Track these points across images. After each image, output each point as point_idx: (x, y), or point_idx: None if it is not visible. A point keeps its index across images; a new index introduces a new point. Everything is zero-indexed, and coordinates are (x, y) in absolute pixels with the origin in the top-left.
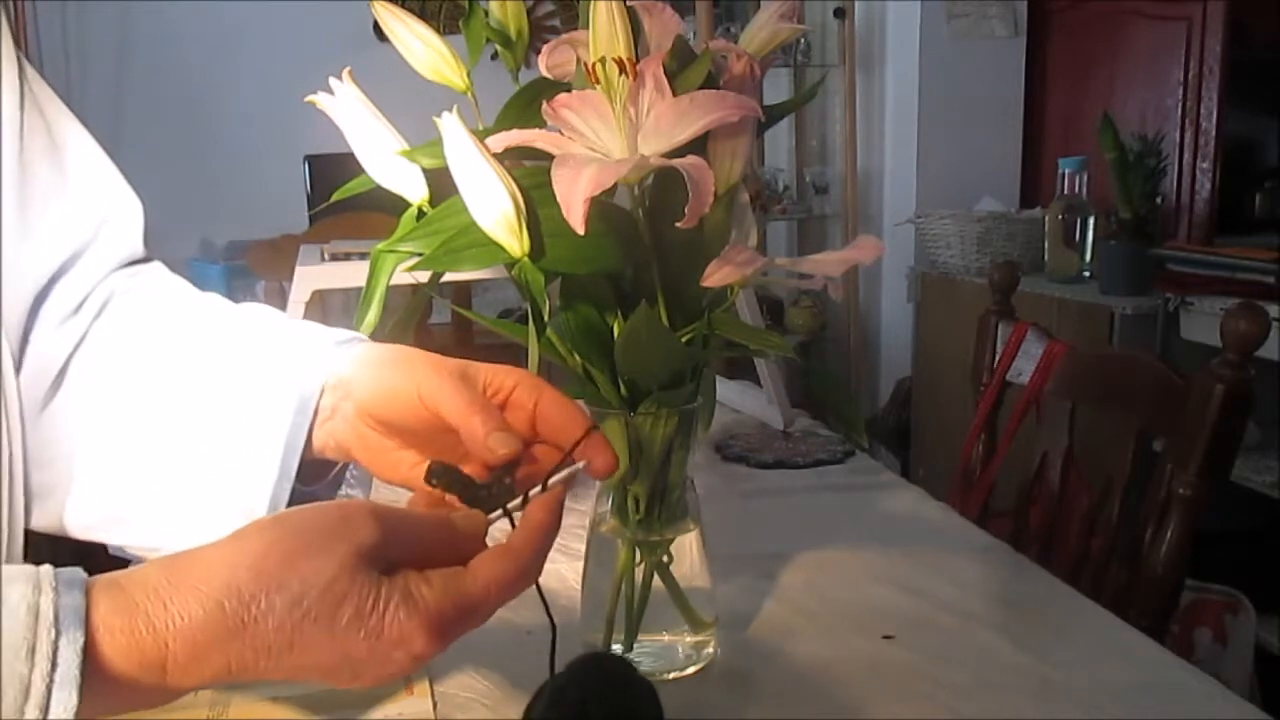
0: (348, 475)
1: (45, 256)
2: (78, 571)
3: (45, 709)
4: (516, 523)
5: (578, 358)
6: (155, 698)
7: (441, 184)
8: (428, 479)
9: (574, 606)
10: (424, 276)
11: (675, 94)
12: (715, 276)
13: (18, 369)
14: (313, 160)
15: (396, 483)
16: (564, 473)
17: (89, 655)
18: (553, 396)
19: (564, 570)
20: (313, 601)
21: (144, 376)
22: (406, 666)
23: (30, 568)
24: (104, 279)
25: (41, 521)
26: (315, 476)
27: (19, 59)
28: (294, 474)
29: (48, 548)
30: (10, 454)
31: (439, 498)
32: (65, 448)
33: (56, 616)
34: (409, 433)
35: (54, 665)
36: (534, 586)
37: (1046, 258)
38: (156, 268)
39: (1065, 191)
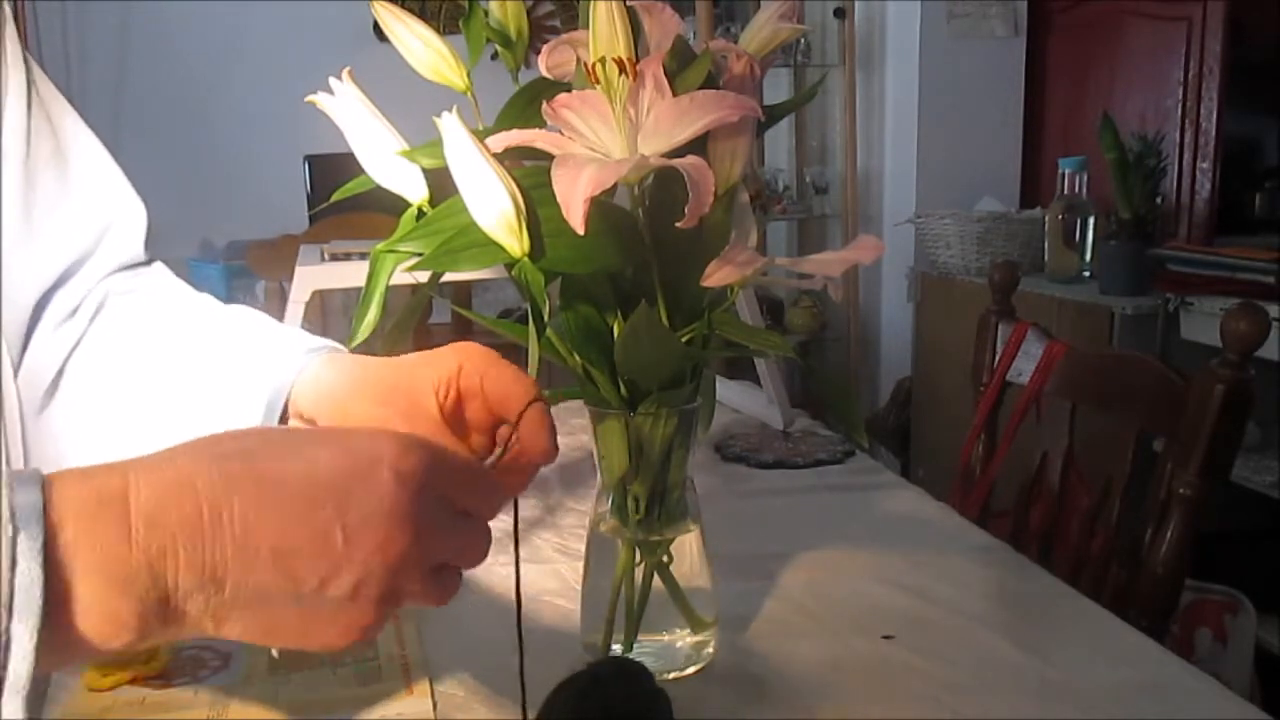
0: None
1: (50, 262)
2: (36, 470)
3: (9, 610)
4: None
5: (578, 358)
6: (120, 569)
7: (441, 184)
8: None
9: (574, 606)
10: (424, 276)
11: (675, 94)
12: (715, 276)
13: (16, 371)
14: (313, 160)
15: None
16: (499, 450)
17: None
18: (496, 374)
19: (564, 570)
20: (282, 433)
21: (132, 380)
22: (393, 492)
23: None
24: (100, 282)
25: None
26: None
27: (27, 62)
28: None
29: None
30: (9, 457)
31: None
32: (62, 449)
33: (13, 514)
34: None
35: (14, 563)
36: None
37: (1046, 258)
38: (155, 270)
39: (1065, 191)
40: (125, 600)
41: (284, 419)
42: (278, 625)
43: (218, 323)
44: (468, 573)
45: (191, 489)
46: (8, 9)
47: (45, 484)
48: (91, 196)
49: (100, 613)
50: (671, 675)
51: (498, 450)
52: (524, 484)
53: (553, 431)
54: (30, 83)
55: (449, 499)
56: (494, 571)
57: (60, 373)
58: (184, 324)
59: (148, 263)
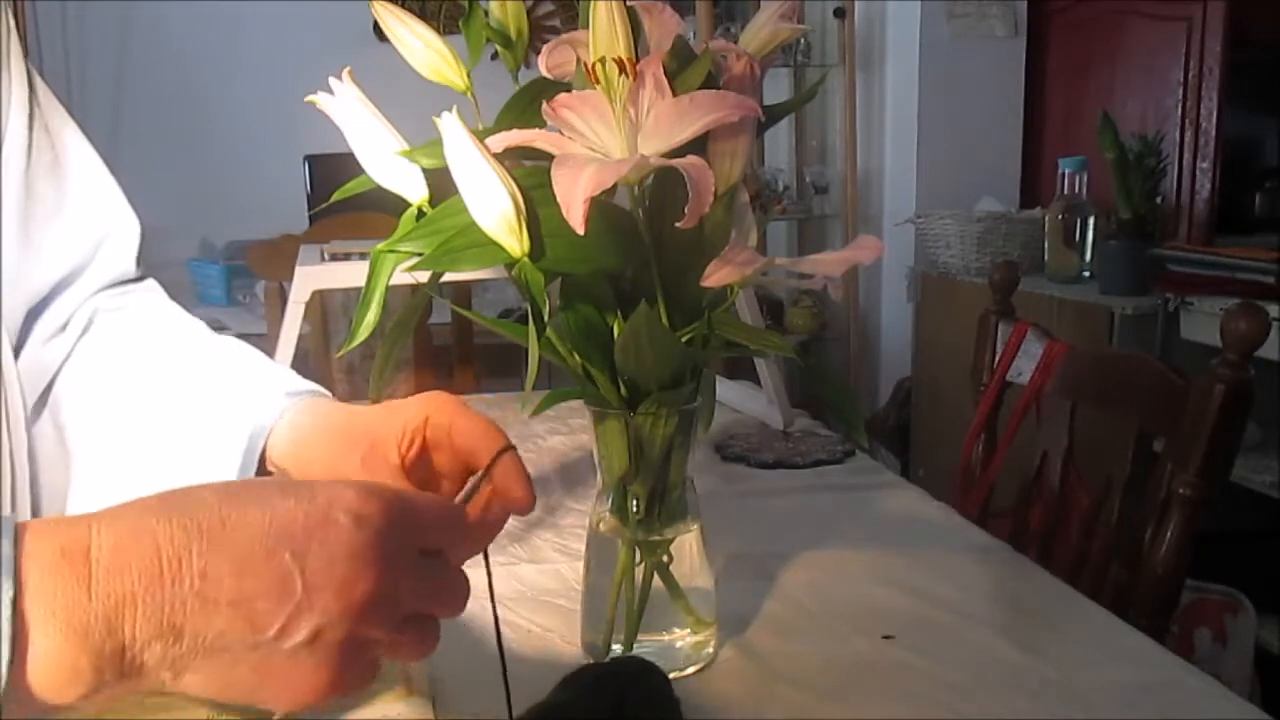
0: None
1: (44, 273)
2: (9, 519)
3: None
4: None
5: (578, 358)
6: (81, 622)
7: (441, 184)
8: None
9: (574, 606)
10: (424, 276)
11: (675, 94)
12: (715, 276)
13: None
14: (313, 160)
15: None
16: (468, 487)
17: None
18: (464, 424)
19: (564, 570)
20: (238, 486)
21: (117, 403)
22: (352, 535)
23: None
24: (90, 297)
25: None
26: None
27: (29, 74)
28: None
29: None
30: (14, 463)
31: None
32: (49, 463)
33: None
34: None
35: None
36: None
37: (1046, 258)
38: (146, 287)
39: (1065, 191)
40: (82, 652)
41: (262, 460)
42: (234, 677)
43: (205, 354)
44: (470, 572)
45: (151, 538)
46: (11, 22)
47: (18, 534)
48: (88, 209)
49: (55, 664)
50: (671, 675)
51: (464, 490)
52: (494, 533)
53: (528, 480)
54: (32, 95)
55: (417, 542)
56: (496, 570)
57: (49, 387)
58: (171, 351)
59: (139, 279)
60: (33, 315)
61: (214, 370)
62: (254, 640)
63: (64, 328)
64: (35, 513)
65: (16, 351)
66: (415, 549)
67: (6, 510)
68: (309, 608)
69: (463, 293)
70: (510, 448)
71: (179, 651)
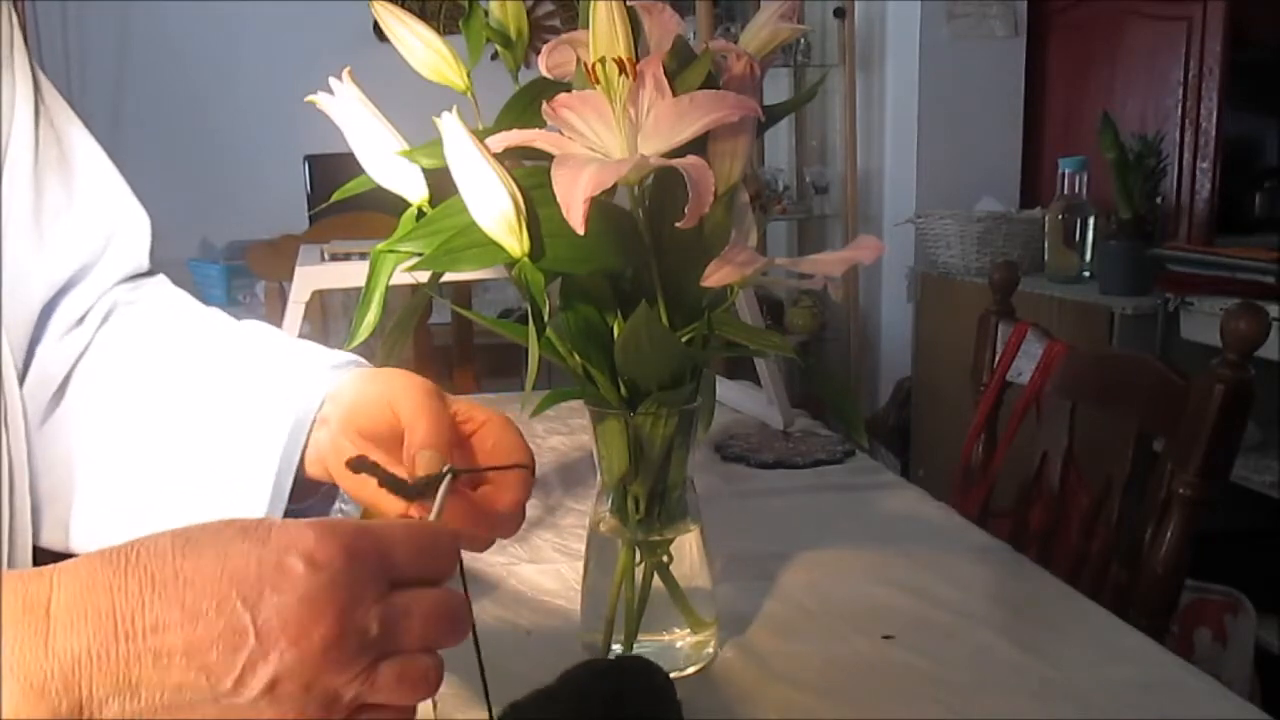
0: (341, 494)
1: (54, 269)
2: None
3: None
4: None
5: (578, 358)
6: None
7: (441, 184)
8: (349, 468)
9: (574, 606)
10: (424, 276)
11: (675, 94)
12: (715, 276)
13: (22, 379)
14: (313, 160)
15: (364, 500)
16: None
17: None
18: (513, 439)
19: (564, 570)
20: (197, 532)
21: (144, 392)
22: (306, 579)
23: None
24: (107, 292)
25: (48, 535)
26: (305, 494)
27: (34, 70)
28: (288, 493)
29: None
30: (12, 465)
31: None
32: (66, 458)
33: None
34: (384, 443)
35: None
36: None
37: (1046, 258)
38: (159, 281)
39: (1065, 191)
40: (38, 708)
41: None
42: None
43: (236, 336)
44: (472, 569)
45: (107, 593)
46: (14, 18)
47: None
48: (96, 203)
49: (12, 716)
50: (671, 675)
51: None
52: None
53: (526, 493)
54: (37, 91)
55: (385, 575)
56: (496, 570)
57: (66, 380)
58: (200, 337)
59: (150, 273)
60: (47, 309)
61: (250, 350)
62: (212, 692)
63: (81, 320)
64: (35, 514)
65: (32, 347)
66: (383, 584)
67: (5, 514)
68: (263, 657)
69: (463, 293)
70: (528, 466)
71: (138, 707)
